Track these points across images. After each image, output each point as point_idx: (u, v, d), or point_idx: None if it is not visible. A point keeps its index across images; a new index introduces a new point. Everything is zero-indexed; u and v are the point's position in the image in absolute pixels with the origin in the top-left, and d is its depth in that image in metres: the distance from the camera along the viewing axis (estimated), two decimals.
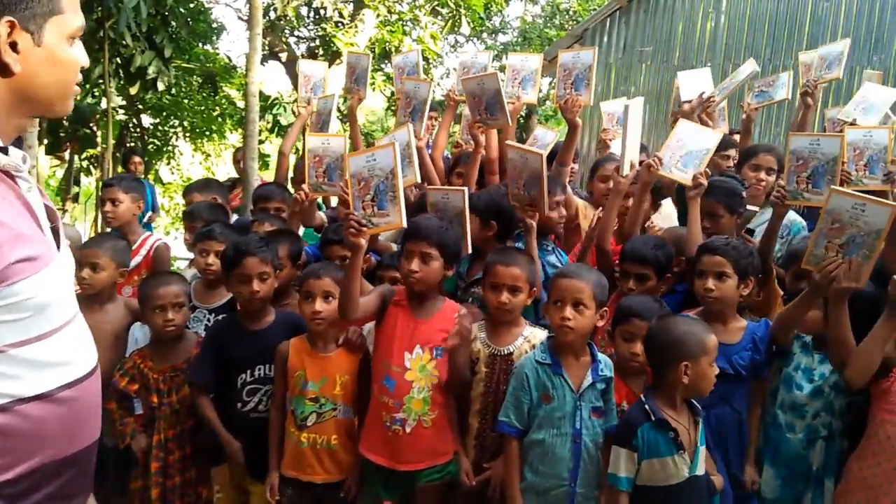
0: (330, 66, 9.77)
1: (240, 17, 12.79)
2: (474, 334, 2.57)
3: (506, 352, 2.54)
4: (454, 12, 11.75)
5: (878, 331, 2.28)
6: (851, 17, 8.59)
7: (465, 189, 2.92)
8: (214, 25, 11.04)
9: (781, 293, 2.91)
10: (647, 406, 2.20)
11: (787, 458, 2.56)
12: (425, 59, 11.88)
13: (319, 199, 3.92)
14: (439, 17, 12.39)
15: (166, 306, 2.81)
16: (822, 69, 4.20)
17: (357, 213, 2.38)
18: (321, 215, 3.87)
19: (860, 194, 2.34)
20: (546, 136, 4.19)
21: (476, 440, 2.55)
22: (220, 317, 3.13)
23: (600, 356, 2.41)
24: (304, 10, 11.51)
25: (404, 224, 2.42)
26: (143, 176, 8.04)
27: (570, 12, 16.21)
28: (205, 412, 2.74)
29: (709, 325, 2.33)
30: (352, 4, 10.86)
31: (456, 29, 12.62)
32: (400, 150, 2.56)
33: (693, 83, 4.19)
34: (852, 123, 3.66)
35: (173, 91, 9.86)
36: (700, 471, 2.22)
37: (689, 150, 3.03)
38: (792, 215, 3.42)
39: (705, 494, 2.27)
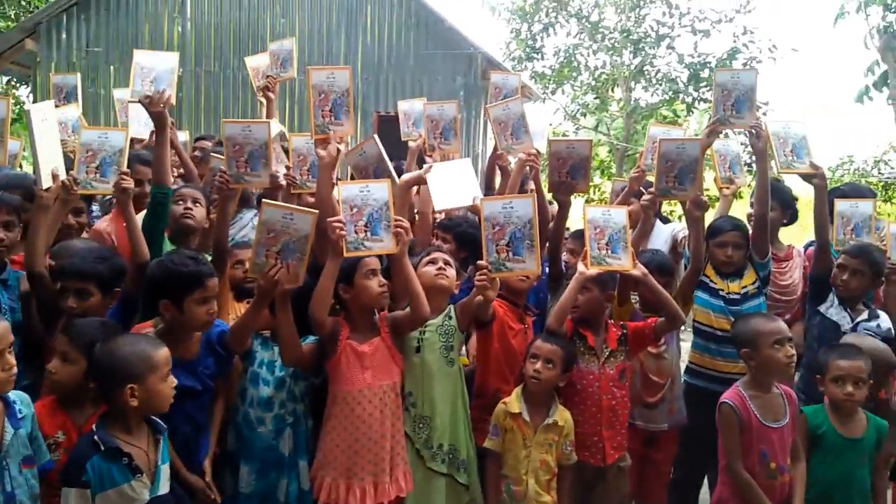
0: None
1: None
2: None
3: None
4: None
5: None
6: (304, 34, 9.58)
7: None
8: None
9: None
10: (96, 437, 2.06)
11: (259, 450, 2.68)
12: None
13: None
14: None
15: None
16: (278, 68, 4.47)
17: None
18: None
19: (288, 206, 2.62)
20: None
21: None
22: None
23: (15, 396, 2.10)
24: None
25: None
26: None
27: (23, 2, 14.20)
28: None
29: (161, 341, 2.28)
30: None
31: None
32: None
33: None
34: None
35: None
36: (164, 489, 2.16)
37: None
38: None
39: None
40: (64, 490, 2.02)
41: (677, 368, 3.53)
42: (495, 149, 3.82)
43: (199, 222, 3.25)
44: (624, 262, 2.96)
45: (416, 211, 3.51)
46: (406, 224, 2.63)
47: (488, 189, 4.53)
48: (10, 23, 12.94)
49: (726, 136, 5.49)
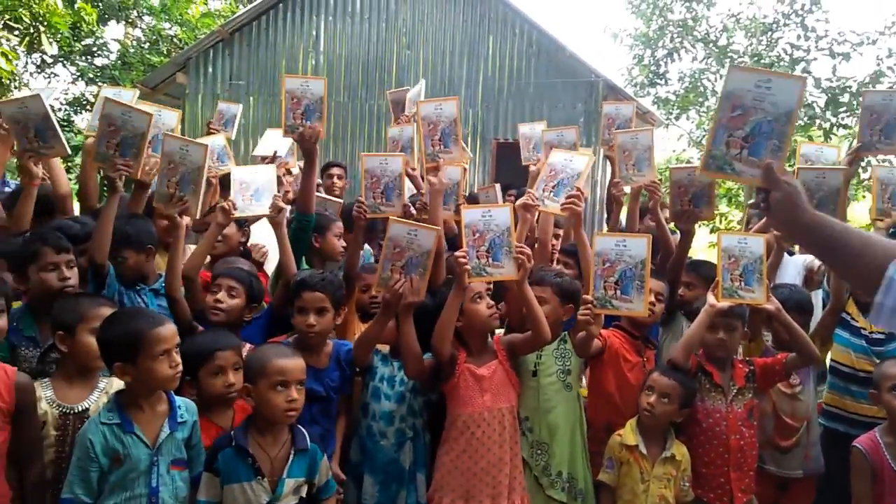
0: None
1: None
2: (39, 394, 2.24)
3: (80, 409, 2.28)
4: (31, 28, 10.30)
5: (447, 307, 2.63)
6: (429, 65, 9.90)
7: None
8: None
9: None
10: (233, 432, 2.22)
11: (382, 462, 2.75)
12: None
13: None
14: (15, 34, 10.75)
15: None
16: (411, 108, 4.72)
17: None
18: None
19: (413, 222, 2.71)
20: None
21: None
22: None
23: (180, 401, 2.27)
24: None
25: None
26: None
27: (175, 40, 15.59)
28: None
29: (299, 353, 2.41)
30: None
31: (36, 47, 11.09)
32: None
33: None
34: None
35: None
36: (289, 501, 2.23)
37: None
38: None
39: None
40: (203, 473, 2.19)
41: (814, 411, 3.29)
42: (613, 176, 3.77)
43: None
44: (758, 296, 2.81)
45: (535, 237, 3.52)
46: (528, 251, 2.64)
47: (609, 214, 4.45)
48: (163, 58, 14.25)
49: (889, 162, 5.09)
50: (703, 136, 13.50)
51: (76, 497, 2.05)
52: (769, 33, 13.03)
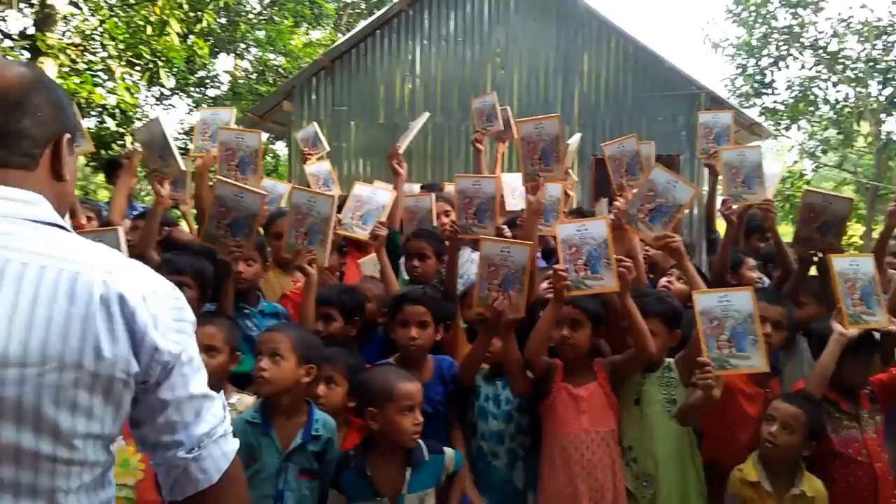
0: None
1: None
2: None
3: None
4: (151, 64, 11.11)
5: (542, 323, 2.61)
6: (523, 83, 9.93)
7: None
8: None
9: None
10: (352, 452, 2.29)
11: (497, 483, 2.74)
12: (122, 111, 11.04)
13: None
14: (136, 69, 11.63)
15: None
16: (483, 122, 4.67)
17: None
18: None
19: (504, 239, 2.72)
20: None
21: None
22: None
23: (319, 415, 2.37)
24: None
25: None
26: None
27: (280, 69, 16.40)
28: None
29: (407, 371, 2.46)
30: (27, 52, 9.69)
31: (156, 81, 11.94)
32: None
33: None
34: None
35: None
36: None
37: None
38: None
39: None
40: (330, 491, 2.29)
41: None
42: (712, 190, 3.66)
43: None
44: (880, 319, 2.66)
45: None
46: (629, 263, 2.60)
47: (709, 233, 4.28)
48: (269, 87, 15.00)
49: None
50: (817, 146, 12.81)
51: None
52: (884, 37, 12.24)
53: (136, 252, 3.15)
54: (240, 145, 3.35)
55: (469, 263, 3.67)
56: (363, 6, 19.29)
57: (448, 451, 2.43)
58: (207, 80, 15.79)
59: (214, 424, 1.22)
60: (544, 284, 3.06)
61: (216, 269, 2.84)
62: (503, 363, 2.69)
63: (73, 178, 1.27)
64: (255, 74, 16.79)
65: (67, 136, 1.23)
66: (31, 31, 10.01)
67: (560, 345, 2.70)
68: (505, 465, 2.73)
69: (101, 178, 13.43)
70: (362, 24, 10.55)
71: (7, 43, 10.07)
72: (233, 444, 1.26)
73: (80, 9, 11.00)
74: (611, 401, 2.68)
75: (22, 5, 10.30)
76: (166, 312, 1.16)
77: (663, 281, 3.46)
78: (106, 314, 1.09)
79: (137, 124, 13.79)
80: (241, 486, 1.30)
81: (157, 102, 14.94)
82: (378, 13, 10.52)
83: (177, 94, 14.92)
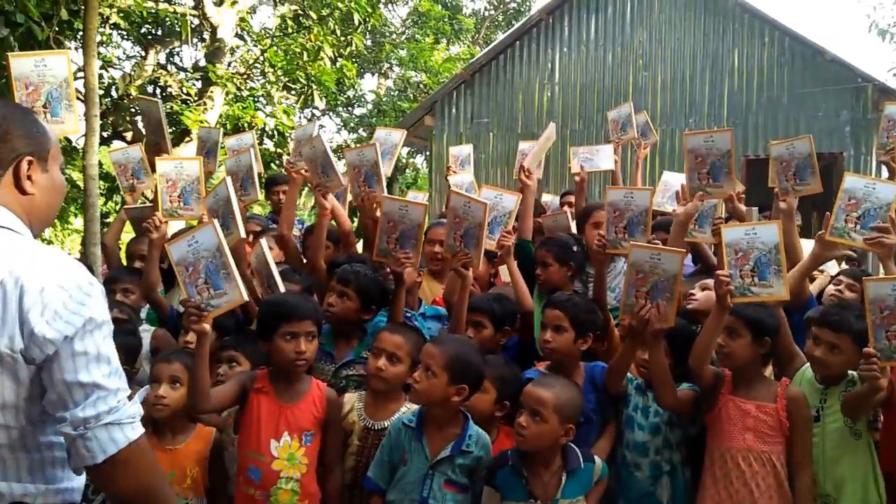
0: (178, 145, 9.57)
1: (78, 98, 12.23)
2: (351, 405, 2.57)
3: (379, 427, 2.54)
4: (306, 87, 11.90)
5: (705, 333, 2.51)
6: (667, 85, 9.62)
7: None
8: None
9: None
10: (509, 451, 2.33)
11: (637, 494, 2.69)
12: (280, 133, 11.90)
13: None
14: (292, 93, 12.50)
15: None
16: (618, 133, 4.68)
17: (194, 299, 2.22)
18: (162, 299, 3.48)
19: (654, 246, 2.63)
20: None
21: None
22: None
23: (473, 431, 2.41)
24: (149, 88, 11.22)
25: (245, 297, 2.30)
26: None
27: (421, 85, 16.98)
28: None
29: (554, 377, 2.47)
30: (199, 82, 10.71)
31: (309, 103, 12.76)
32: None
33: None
34: (664, 213, 3.89)
35: None
36: None
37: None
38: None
39: None
40: (485, 488, 2.34)
41: None
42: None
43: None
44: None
45: None
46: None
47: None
48: (412, 103, 15.57)
49: None
50: None
51: (372, 478, 2.40)
52: None
53: (309, 262, 3.41)
54: (362, 160, 3.51)
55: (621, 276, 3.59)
56: (500, 19, 19.52)
57: (598, 460, 2.41)
58: (354, 100, 16.65)
59: (102, 411, 1.36)
60: (700, 294, 2.95)
61: (382, 281, 3.03)
62: (650, 374, 2.62)
63: (47, 194, 1.50)
64: (398, 92, 17.50)
65: (29, 158, 1.45)
66: (202, 62, 11.06)
67: (718, 354, 2.59)
68: (647, 478, 2.65)
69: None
70: (501, 35, 10.69)
71: (181, 75, 11.20)
72: (128, 434, 1.39)
73: (244, 40, 12.01)
74: (782, 419, 2.52)
75: (194, 40, 11.43)
76: (61, 304, 1.34)
77: (832, 289, 3.22)
78: (2, 297, 1.31)
79: (291, 144, 14.80)
80: (135, 474, 1.42)
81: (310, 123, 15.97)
82: (517, 24, 10.62)
83: (327, 114, 15.87)
